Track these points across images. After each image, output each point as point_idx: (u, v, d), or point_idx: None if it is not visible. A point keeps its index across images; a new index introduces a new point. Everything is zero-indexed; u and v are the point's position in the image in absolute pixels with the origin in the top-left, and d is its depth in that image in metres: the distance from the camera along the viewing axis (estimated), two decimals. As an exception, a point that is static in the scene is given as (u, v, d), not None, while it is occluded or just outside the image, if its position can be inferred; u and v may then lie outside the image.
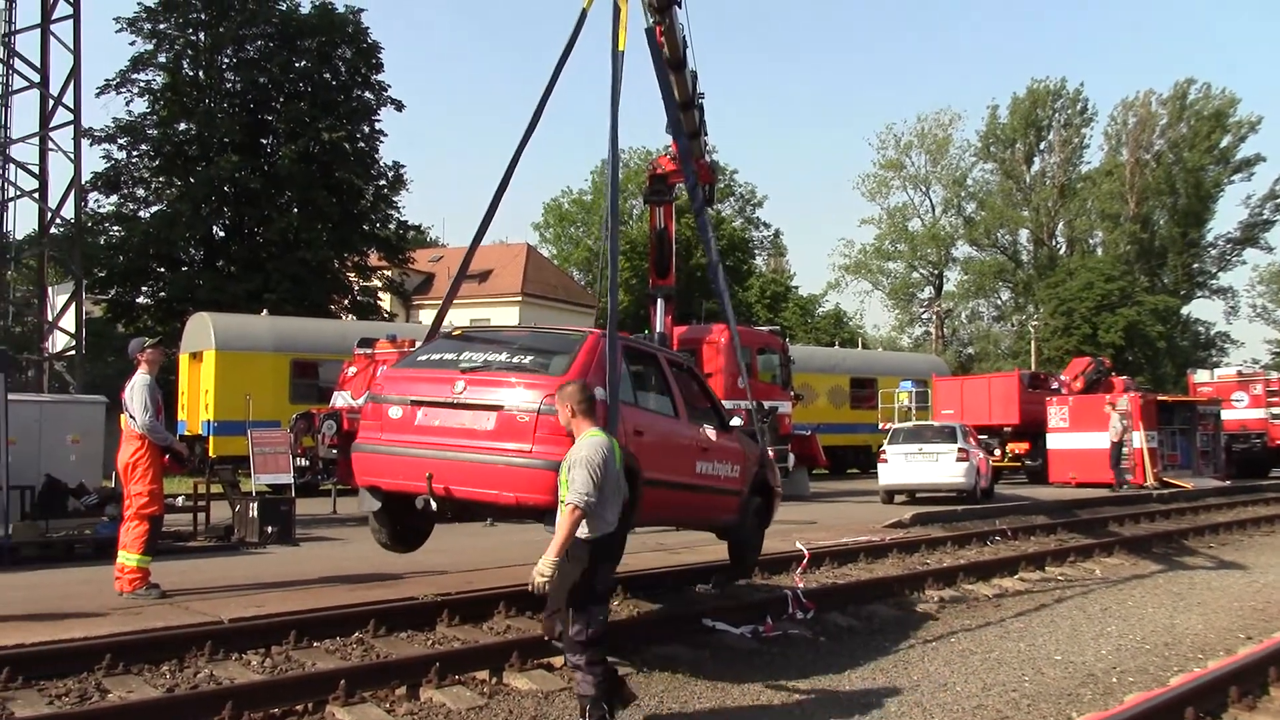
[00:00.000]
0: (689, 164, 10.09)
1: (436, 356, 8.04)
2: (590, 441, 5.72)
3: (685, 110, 13.50)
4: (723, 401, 10.23)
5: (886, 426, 27.52)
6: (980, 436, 28.30)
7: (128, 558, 9.11)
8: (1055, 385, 29.46)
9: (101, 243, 35.87)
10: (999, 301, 73.80)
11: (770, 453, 9.74)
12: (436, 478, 7.14)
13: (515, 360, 7.58)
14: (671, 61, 11.14)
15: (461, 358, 7.74)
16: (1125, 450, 25.35)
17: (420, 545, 8.60)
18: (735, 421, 9.21)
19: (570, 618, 5.69)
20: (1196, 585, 11.99)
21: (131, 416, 9.34)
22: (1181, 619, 9.86)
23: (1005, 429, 28.66)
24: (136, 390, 9.33)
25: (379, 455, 7.68)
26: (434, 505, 7.43)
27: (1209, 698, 6.19)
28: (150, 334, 26.83)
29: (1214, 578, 12.64)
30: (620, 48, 9.23)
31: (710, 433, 8.75)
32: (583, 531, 5.63)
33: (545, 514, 6.84)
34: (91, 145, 35.33)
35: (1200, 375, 35.44)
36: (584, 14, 9.50)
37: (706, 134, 15.74)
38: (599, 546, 5.72)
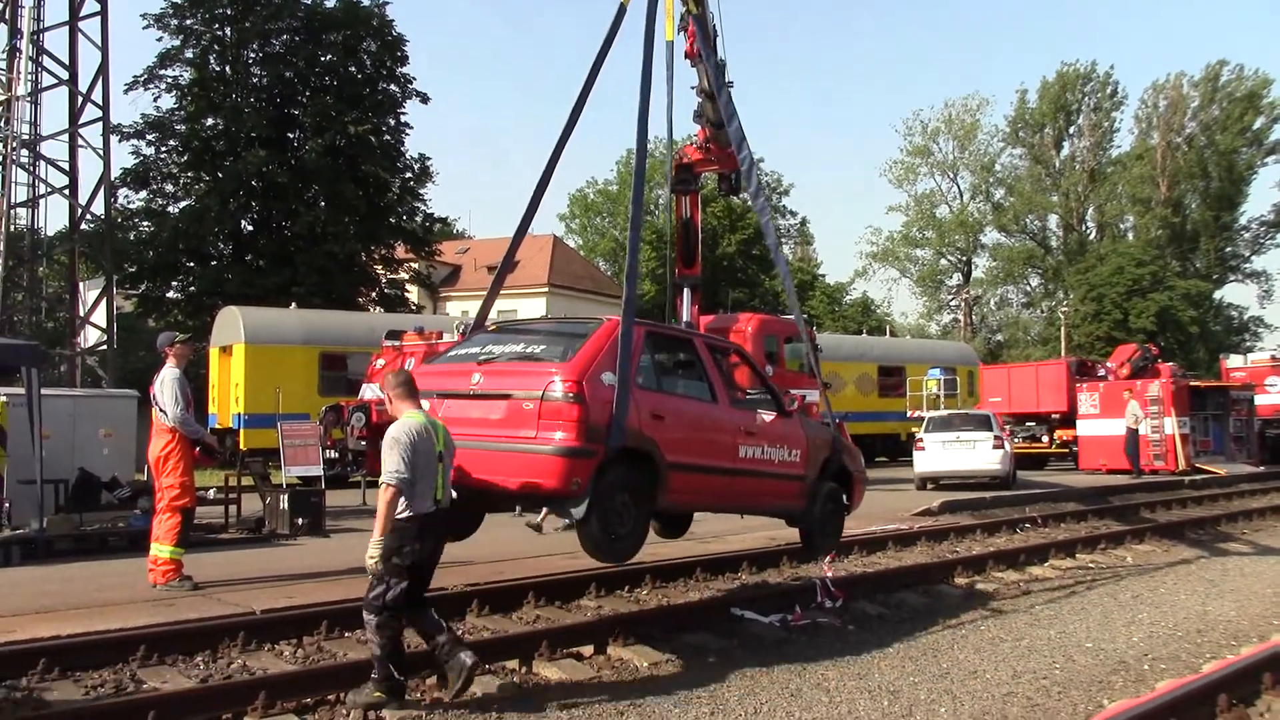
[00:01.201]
0: (743, 149, 10.01)
1: (463, 351, 8.22)
2: (401, 423, 6.12)
3: (712, 100, 13.44)
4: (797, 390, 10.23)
5: (915, 414, 27.47)
6: (1029, 423, 28.48)
7: (160, 549, 9.25)
8: (1102, 372, 29.22)
9: (131, 238, 36.29)
10: (1028, 288, 73.25)
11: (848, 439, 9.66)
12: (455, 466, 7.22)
13: (527, 350, 7.72)
14: (704, 50, 11.17)
15: (482, 351, 7.91)
16: (1156, 437, 25.15)
17: (468, 535, 8.64)
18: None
19: (372, 582, 6.06)
20: (1230, 572, 11.87)
21: (162, 410, 9.45)
22: (1214, 606, 9.77)
23: (1054, 416, 28.63)
24: (166, 384, 9.45)
25: None
26: (454, 494, 7.48)
27: (1242, 685, 6.13)
28: (181, 329, 27.16)
29: (1247, 564, 12.51)
30: (669, 38, 9.30)
31: (764, 417, 8.66)
32: (401, 509, 6.00)
33: (552, 499, 7.01)
34: (121, 141, 35.73)
35: (1233, 360, 35.06)
36: (623, 8, 9.51)
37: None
38: (411, 523, 6.03)
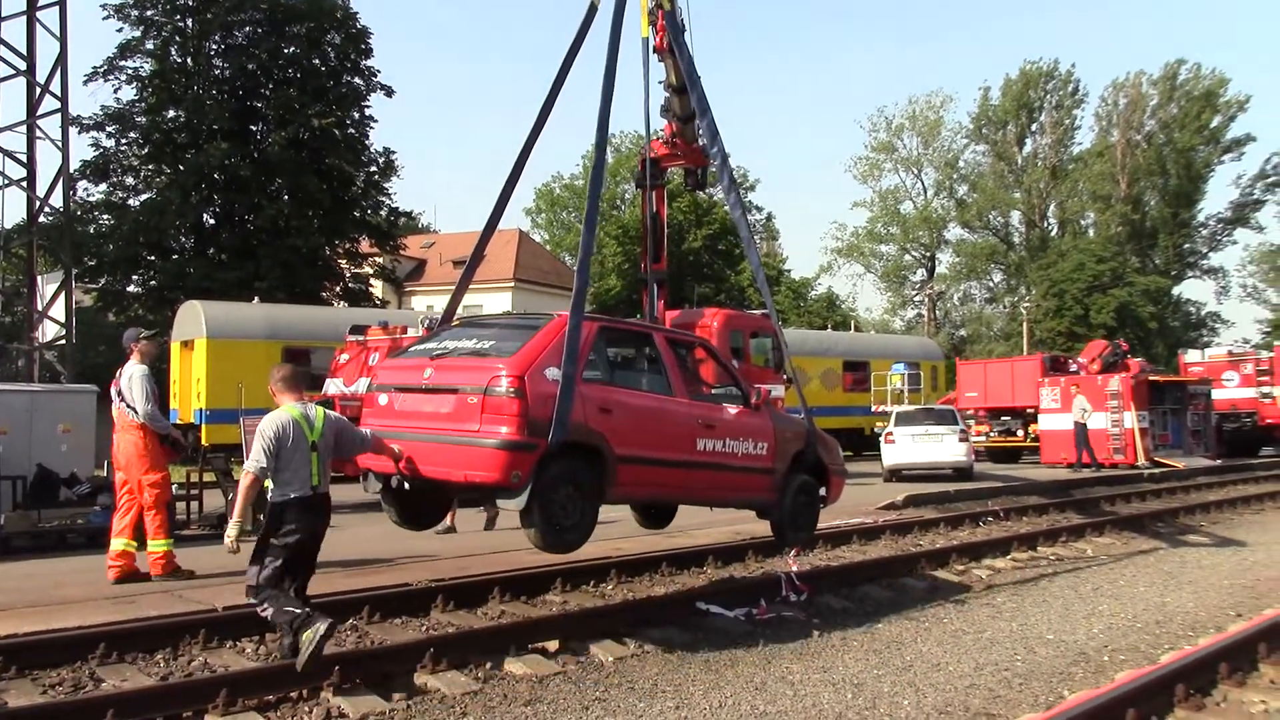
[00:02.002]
0: (716, 144, 10.01)
1: (422, 346, 8.41)
2: (270, 415, 6.69)
3: (681, 94, 13.43)
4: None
5: (880, 409, 27.68)
6: (1004, 417, 28.98)
7: (155, 544, 9.48)
8: (1074, 368, 29.57)
9: (91, 231, 35.70)
10: (991, 283, 73.85)
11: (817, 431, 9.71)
12: (405, 458, 7.46)
13: (476, 346, 7.84)
14: (675, 45, 11.17)
15: (438, 346, 8.09)
16: (1116, 431, 25.49)
17: (431, 525, 8.95)
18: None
19: (250, 562, 6.57)
20: (1188, 564, 12.05)
21: (131, 407, 9.46)
22: (1173, 597, 9.91)
23: (1028, 410, 29.01)
24: (136, 381, 9.47)
25: None
26: (406, 485, 7.71)
27: (1199, 675, 6.23)
28: (142, 323, 26.77)
29: (1205, 556, 12.70)
30: (643, 34, 9.33)
31: (728, 411, 8.73)
32: (276, 494, 6.56)
33: (495, 491, 7.28)
34: (80, 133, 35.18)
35: (1191, 355, 35.51)
36: (593, 7, 9.56)
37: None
38: (286, 508, 6.54)
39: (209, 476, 15.04)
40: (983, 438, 29.64)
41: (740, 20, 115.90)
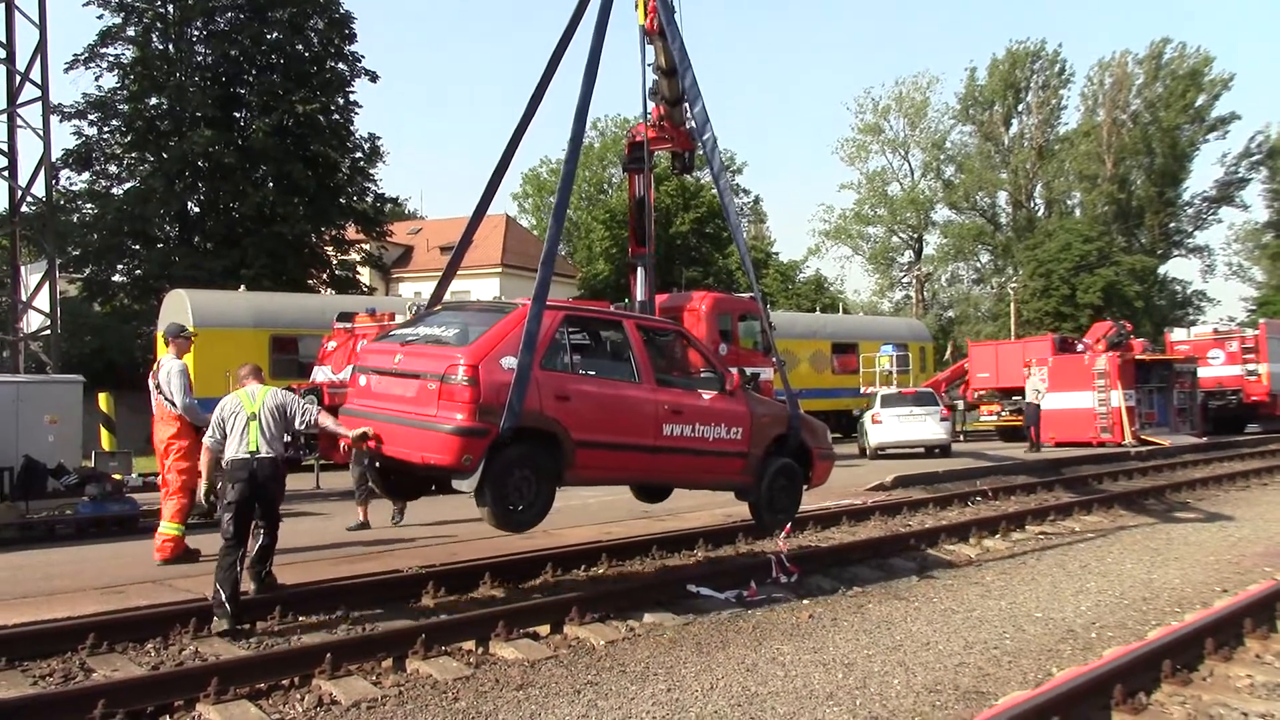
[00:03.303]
0: (707, 130, 10.03)
1: (401, 330, 8.74)
2: (226, 397, 7.96)
3: (669, 76, 13.37)
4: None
5: (869, 391, 27.80)
6: (1014, 397, 29.90)
7: (169, 527, 9.73)
8: (1080, 348, 29.71)
9: (74, 220, 35.43)
10: (978, 264, 73.90)
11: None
12: (374, 438, 7.84)
13: (442, 333, 8.16)
14: (666, 28, 11.13)
15: (411, 332, 8.44)
16: (1104, 410, 25.62)
17: (415, 496, 9.42)
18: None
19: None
20: (1174, 540, 12.13)
21: (169, 400, 9.95)
22: (1159, 574, 9.98)
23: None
24: (174, 375, 9.97)
25: (349, 418, 8.35)
26: (378, 463, 8.38)
27: (1186, 650, 6.28)
28: (127, 313, 26.47)
29: (1191, 532, 12.79)
30: (640, 21, 9.40)
31: (701, 396, 8.84)
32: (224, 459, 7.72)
33: (451, 473, 7.59)
34: (61, 122, 34.99)
35: (1177, 333, 35.68)
36: None
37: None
38: (230, 467, 7.67)
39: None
40: (994, 417, 30.20)
41: (726, 2, 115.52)
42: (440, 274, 10.27)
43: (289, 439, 17.53)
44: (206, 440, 7.88)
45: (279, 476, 7.86)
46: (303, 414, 8.00)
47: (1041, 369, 27.77)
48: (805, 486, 9.84)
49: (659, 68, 14.65)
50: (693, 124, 12.25)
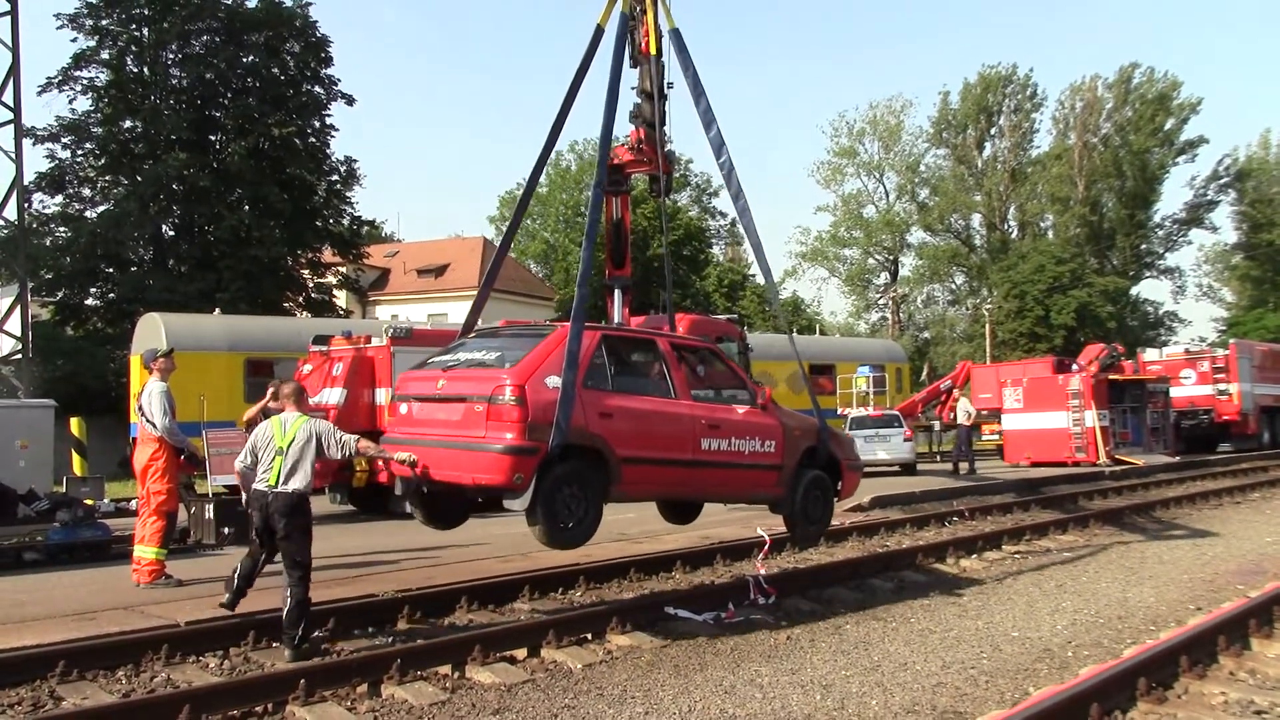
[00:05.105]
0: (723, 153, 10.19)
1: (439, 358, 8.82)
2: (263, 422, 7.97)
3: (651, 101, 13.49)
4: None
5: (845, 412, 27.98)
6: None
7: (145, 551, 9.74)
8: (1075, 368, 29.95)
9: (47, 244, 35.15)
10: (953, 286, 74.44)
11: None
12: (420, 464, 7.86)
13: (484, 357, 8.31)
14: (679, 57, 11.28)
15: (451, 358, 8.57)
16: (1078, 430, 25.79)
17: (458, 524, 9.30)
18: None
19: None
20: (1148, 559, 12.20)
21: (150, 422, 9.95)
22: (1134, 592, 10.04)
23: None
24: (155, 397, 9.97)
25: (391, 446, 8.37)
26: (424, 488, 8.31)
27: (1161, 668, 6.31)
28: (101, 337, 26.17)
29: (1165, 551, 12.87)
30: (652, 51, 9.83)
31: (735, 411, 9.11)
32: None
33: (501, 492, 7.70)
34: (34, 145, 34.72)
35: (1149, 354, 35.99)
36: (600, 30, 10.12)
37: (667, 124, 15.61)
38: (253, 495, 7.67)
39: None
40: (997, 435, 30.66)
41: (699, 22, 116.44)
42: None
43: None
44: (236, 463, 8.00)
45: (300, 510, 7.60)
46: (340, 445, 7.79)
47: (1017, 389, 27.98)
48: (835, 498, 10.05)
49: (643, 90, 14.73)
50: (673, 147, 12.45)
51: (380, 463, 8.24)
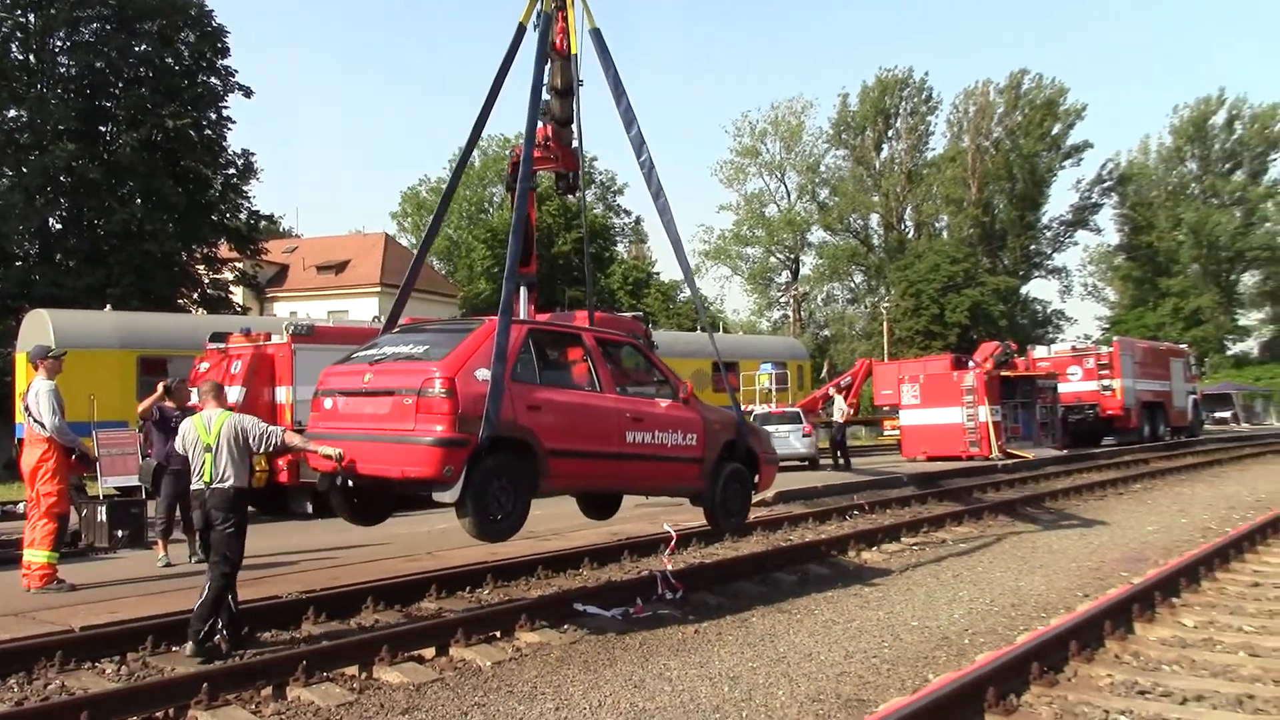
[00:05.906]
0: (643, 152, 10.19)
1: (364, 352, 8.70)
2: (184, 422, 7.90)
3: (564, 97, 13.48)
4: None
5: (748, 409, 28.33)
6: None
7: (36, 555, 9.44)
8: (971, 364, 30.65)
9: (-74, 237, 33.62)
10: (853, 284, 76.08)
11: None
12: (346, 458, 7.78)
13: (411, 350, 8.27)
14: (564, 52, 11.30)
15: (377, 352, 8.48)
16: (972, 424, 26.56)
17: (379, 521, 9.13)
18: None
19: None
20: (1039, 549, 12.64)
21: (38, 421, 9.63)
22: (1026, 581, 10.40)
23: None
24: (43, 396, 9.64)
25: (315, 441, 8.22)
26: (350, 482, 8.21)
27: (1052, 653, 6.56)
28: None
29: (1055, 540, 13.35)
30: (573, 50, 10.78)
31: (658, 404, 9.20)
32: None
33: (432, 485, 7.61)
34: (-87, 134, 33.10)
35: (1039, 351, 37.15)
36: (522, 28, 10.29)
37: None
38: (194, 494, 7.70)
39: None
40: (897, 431, 31.16)
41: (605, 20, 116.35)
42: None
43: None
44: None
45: (235, 507, 7.54)
46: (265, 438, 7.73)
47: (914, 385, 28.69)
48: (754, 490, 10.29)
49: (552, 87, 14.70)
50: (577, 144, 12.45)
51: (306, 456, 8.10)
